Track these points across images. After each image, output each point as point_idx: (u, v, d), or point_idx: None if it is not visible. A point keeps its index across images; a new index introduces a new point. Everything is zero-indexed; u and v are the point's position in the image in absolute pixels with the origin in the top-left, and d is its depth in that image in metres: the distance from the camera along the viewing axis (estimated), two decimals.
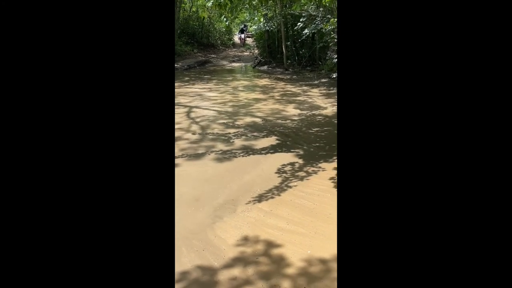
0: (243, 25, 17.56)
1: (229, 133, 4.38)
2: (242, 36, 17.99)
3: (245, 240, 2.18)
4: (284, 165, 3.35)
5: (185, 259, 2.00)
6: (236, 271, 1.90)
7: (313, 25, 8.06)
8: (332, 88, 7.35)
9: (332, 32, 7.27)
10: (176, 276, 1.85)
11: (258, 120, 5.05)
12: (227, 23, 7.62)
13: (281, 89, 7.55)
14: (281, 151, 3.75)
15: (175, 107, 5.60)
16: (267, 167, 3.33)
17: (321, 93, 7.02)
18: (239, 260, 1.99)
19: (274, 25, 10.68)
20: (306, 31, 8.37)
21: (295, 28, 9.35)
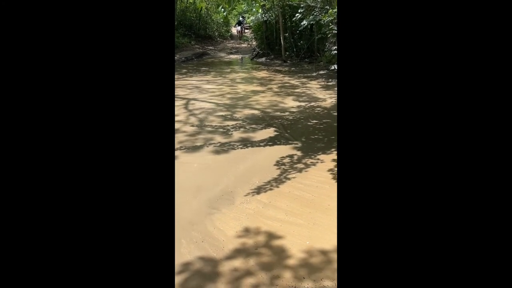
0: (240, 17, 17.45)
1: (228, 126, 4.37)
2: (239, 28, 17.88)
3: (245, 231, 2.19)
4: (282, 157, 3.35)
5: (184, 250, 2.01)
6: (236, 263, 1.91)
7: (311, 16, 8.01)
8: (330, 80, 7.33)
9: (330, 24, 7.22)
10: (177, 268, 1.86)
11: (256, 112, 5.04)
12: (224, 14, 7.55)
13: (280, 81, 7.53)
14: (279, 143, 3.75)
15: None
16: (265, 159, 3.33)
17: (319, 85, 7.00)
18: (239, 252, 2.00)
19: (272, 16, 10.61)
20: (304, 22, 8.32)
21: (293, 19, 9.29)
